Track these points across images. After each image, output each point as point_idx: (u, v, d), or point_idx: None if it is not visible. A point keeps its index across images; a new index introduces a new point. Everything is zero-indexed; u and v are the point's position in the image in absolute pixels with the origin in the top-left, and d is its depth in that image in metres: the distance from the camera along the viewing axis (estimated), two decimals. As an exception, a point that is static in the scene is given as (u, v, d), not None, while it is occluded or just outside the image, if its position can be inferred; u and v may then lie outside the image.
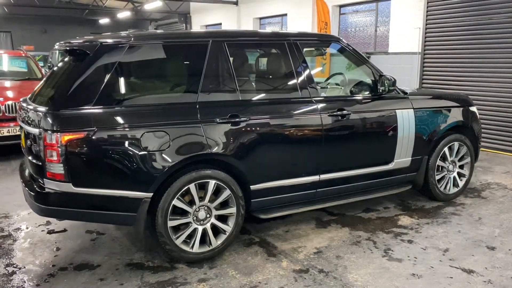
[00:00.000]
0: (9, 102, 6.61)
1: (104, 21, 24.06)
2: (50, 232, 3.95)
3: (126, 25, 21.86)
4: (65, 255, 3.49)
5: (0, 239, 3.80)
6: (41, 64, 14.91)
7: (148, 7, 18.14)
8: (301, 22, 11.64)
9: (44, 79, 3.74)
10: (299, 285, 2.99)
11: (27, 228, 4.04)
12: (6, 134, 6.53)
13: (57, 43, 3.52)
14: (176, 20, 19.38)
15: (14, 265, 3.31)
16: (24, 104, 3.39)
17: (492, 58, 7.15)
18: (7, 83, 7.57)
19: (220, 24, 16.18)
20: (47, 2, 18.58)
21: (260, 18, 14.10)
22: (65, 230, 3.97)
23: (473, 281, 3.04)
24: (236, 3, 14.93)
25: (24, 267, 3.28)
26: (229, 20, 15.40)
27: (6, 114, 6.55)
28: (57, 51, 14.17)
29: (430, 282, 3.02)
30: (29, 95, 3.63)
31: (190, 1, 16.60)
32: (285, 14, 12.58)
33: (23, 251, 3.57)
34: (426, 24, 8.17)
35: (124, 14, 20.76)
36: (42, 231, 3.97)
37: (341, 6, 10.86)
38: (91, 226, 4.00)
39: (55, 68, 3.71)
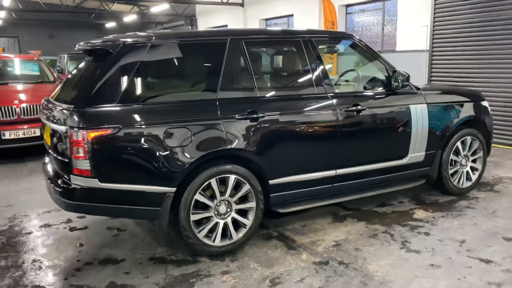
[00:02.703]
0: (24, 105, 6.72)
1: (110, 25, 24.25)
2: (71, 229, 4.03)
3: (132, 29, 22.01)
4: (89, 251, 3.57)
5: (24, 236, 3.89)
6: (49, 68, 15.04)
7: (154, 10, 18.29)
8: (308, 22, 11.70)
9: (65, 79, 3.84)
10: (321, 276, 3.06)
11: (49, 225, 4.12)
12: (21, 136, 6.64)
13: (78, 44, 3.60)
14: (182, 23, 19.50)
15: (40, 261, 3.40)
16: (48, 103, 3.48)
17: (500, 55, 7.18)
18: (21, 87, 7.71)
19: (226, 25, 16.26)
20: (54, 7, 18.79)
21: (267, 19, 14.17)
22: (86, 227, 4.05)
23: (492, 270, 3.09)
24: (242, 5, 15.03)
25: (51, 262, 3.37)
26: (235, 22, 15.49)
27: (21, 117, 6.66)
28: (66, 56, 14.35)
29: (449, 271, 3.08)
30: (51, 95, 3.72)
31: (196, 3, 16.73)
32: (292, 15, 12.66)
33: (48, 247, 3.66)
34: (434, 22, 8.21)
35: (130, 18, 20.93)
36: (64, 228, 4.06)
37: (347, 6, 10.92)
38: (112, 223, 4.08)
39: (76, 69, 3.80)
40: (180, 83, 3.47)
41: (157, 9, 18.02)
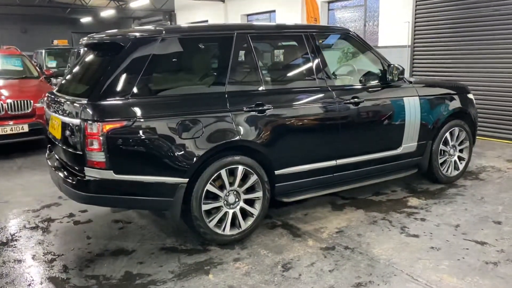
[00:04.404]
0: (10, 101, 6.60)
1: (86, 20, 23.79)
2: (76, 223, 4.05)
3: (109, 24, 21.67)
4: (98, 243, 3.61)
5: (29, 230, 3.88)
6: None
7: (133, 5, 18.07)
8: (290, 18, 11.85)
9: (68, 73, 3.85)
10: (329, 261, 3.20)
11: (51, 220, 4.12)
12: (9, 132, 6.53)
13: (83, 38, 3.62)
14: (161, 18, 19.35)
15: (52, 253, 3.42)
16: (55, 97, 3.49)
17: (480, 50, 7.49)
18: (6, 82, 7.55)
19: (207, 21, 16.26)
20: (27, 1, 18.30)
21: (248, 15, 14.25)
22: (90, 221, 4.07)
23: (487, 251, 3.31)
24: (223, 0, 15.03)
25: (62, 255, 3.39)
26: (216, 17, 15.50)
27: (9, 112, 6.55)
28: (44, 51, 14.07)
29: (449, 253, 3.28)
30: (56, 89, 3.73)
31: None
32: (274, 11, 12.77)
33: (55, 240, 3.68)
34: (415, 18, 8.47)
35: (107, 13, 20.60)
36: (67, 222, 4.07)
37: (329, 2, 11.13)
38: (115, 216, 4.12)
39: (79, 63, 3.81)
40: (190, 76, 3.54)
41: (136, 3, 17.81)
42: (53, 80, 11.26)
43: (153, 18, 20.83)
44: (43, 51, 14.11)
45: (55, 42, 16.80)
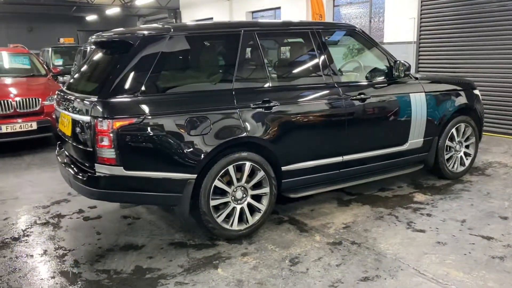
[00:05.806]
0: (19, 98, 6.68)
1: (91, 18, 23.88)
2: (85, 219, 4.11)
3: (114, 22, 21.74)
4: (107, 238, 3.66)
5: (40, 226, 3.94)
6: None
7: (139, 2, 18.12)
8: (295, 15, 11.85)
9: (77, 70, 3.90)
10: (337, 255, 3.24)
11: (61, 216, 4.18)
12: (18, 129, 6.61)
13: (92, 36, 3.66)
14: (166, 15, 19.39)
15: (63, 248, 3.48)
16: (64, 94, 3.54)
17: (485, 45, 7.48)
18: (14, 80, 7.63)
19: (212, 18, 16.28)
20: (33, 0, 18.42)
21: (253, 12, 14.26)
22: (99, 217, 4.13)
23: (493, 245, 3.33)
24: (228, -3, 15.05)
25: (73, 250, 3.45)
26: (221, 15, 15.52)
27: (18, 110, 6.63)
28: (50, 49, 14.16)
29: (455, 247, 3.30)
30: (65, 86, 3.78)
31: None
32: (279, 7, 12.78)
33: (65, 236, 3.73)
34: (421, 14, 8.47)
35: (112, 11, 20.67)
36: (77, 218, 4.13)
37: (334, -2, 11.12)
38: (124, 212, 4.17)
39: (88, 61, 3.86)
40: (197, 74, 3.58)
41: (141, 1, 17.86)
42: (60, 78, 11.34)
43: (158, 16, 20.87)
44: (50, 49, 14.20)
45: (62, 40, 16.89)
